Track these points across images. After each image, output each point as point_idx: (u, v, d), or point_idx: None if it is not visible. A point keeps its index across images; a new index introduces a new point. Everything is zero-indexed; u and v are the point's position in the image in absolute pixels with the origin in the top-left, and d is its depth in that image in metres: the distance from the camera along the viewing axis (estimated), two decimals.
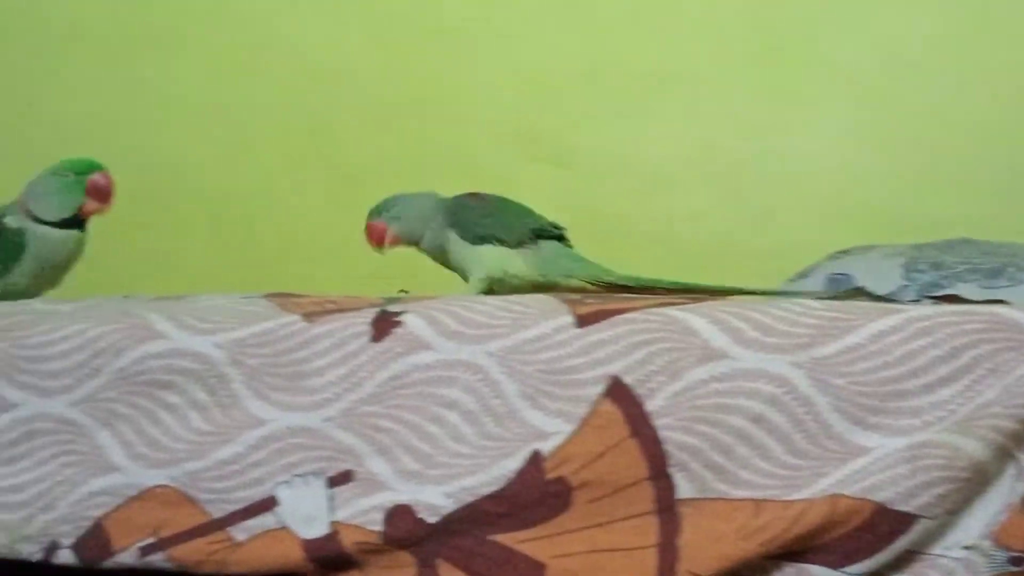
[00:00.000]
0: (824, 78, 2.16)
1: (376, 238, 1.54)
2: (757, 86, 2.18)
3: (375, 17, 2.27)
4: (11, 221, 1.45)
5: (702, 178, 2.18)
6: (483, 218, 1.51)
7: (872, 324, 0.97)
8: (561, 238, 1.55)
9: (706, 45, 2.20)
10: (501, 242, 1.49)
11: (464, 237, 1.50)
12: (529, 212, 1.56)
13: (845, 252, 1.70)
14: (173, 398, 1.04)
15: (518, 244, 1.50)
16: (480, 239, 1.49)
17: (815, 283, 1.61)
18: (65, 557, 0.99)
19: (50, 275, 1.48)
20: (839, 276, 1.59)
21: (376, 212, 1.55)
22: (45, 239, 1.45)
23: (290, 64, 2.27)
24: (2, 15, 2.37)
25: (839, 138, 2.14)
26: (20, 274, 1.45)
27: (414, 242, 1.55)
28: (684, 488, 0.95)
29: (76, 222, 1.47)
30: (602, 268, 1.52)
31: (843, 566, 0.91)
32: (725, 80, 2.19)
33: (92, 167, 1.47)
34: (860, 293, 1.53)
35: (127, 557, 0.98)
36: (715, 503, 0.94)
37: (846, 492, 0.92)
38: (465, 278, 1.51)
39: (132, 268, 2.19)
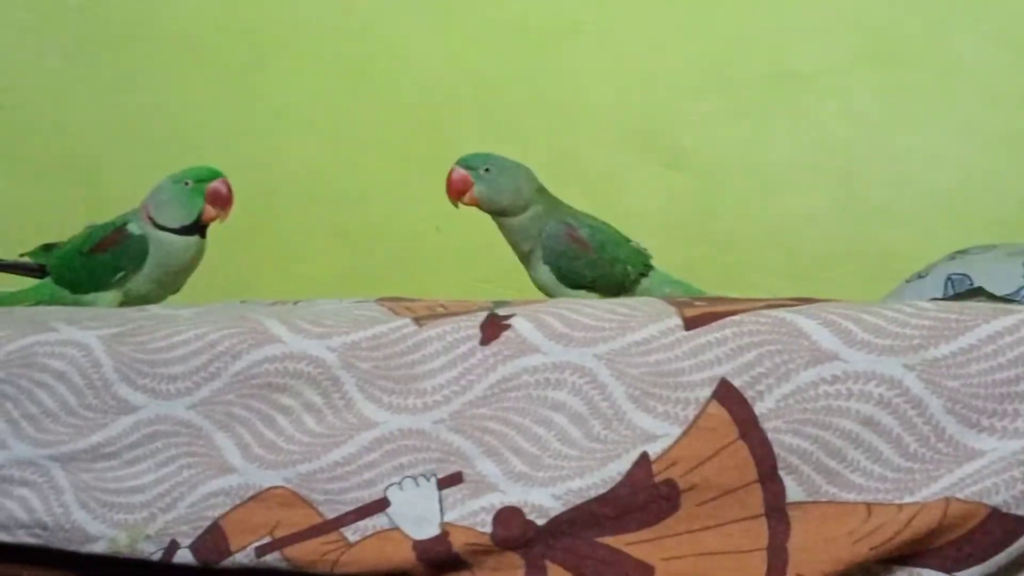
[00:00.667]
0: (945, 75, 2.13)
1: (456, 190, 1.50)
2: (875, 84, 2.15)
3: (486, 21, 2.28)
4: (134, 228, 1.49)
5: (818, 179, 2.15)
6: (587, 269, 1.49)
7: (986, 325, 0.95)
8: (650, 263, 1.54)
9: (823, 43, 2.17)
10: (602, 292, 1.48)
11: (562, 280, 1.48)
12: (629, 249, 1.53)
13: (964, 252, 1.66)
14: (288, 401, 1.05)
15: (619, 292, 1.49)
16: (579, 287, 1.48)
17: (933, 283, 1.58)
18: (184, 557, 1.01)
19: (171, 280, 1.52)
20: (957, 276, 1.56)
21: (467, 164, 1.50)
22: (167, 245, 1.49)
23: (402, 70, 2.29)
24: (125, 33, 2.43)
25: (959, 136, 2.10)
26: (142, 280, 1.49)
27: (491, 211, 1.51)
28: (794, 491, 0.94)
29: (196, 229, 1.50)
30: (697, 290, 1.51)
31: (956, 570, 0.89)
32: (842, 79, 2.17)
33: (212, 175, 1.50)
34: (979, 293, 1.50)
35: (243, 557, 1.00)
36: (825, 506, 0.93)
37: (959, 496, 0.90)
38: (548, 294, 1.50)
39: (250, 274, 2.24)
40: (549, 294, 1.50)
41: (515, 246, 1.53)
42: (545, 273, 1.50)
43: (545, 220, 1.50)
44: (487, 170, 1.50)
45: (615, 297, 1.47)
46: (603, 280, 1.49)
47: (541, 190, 1.53)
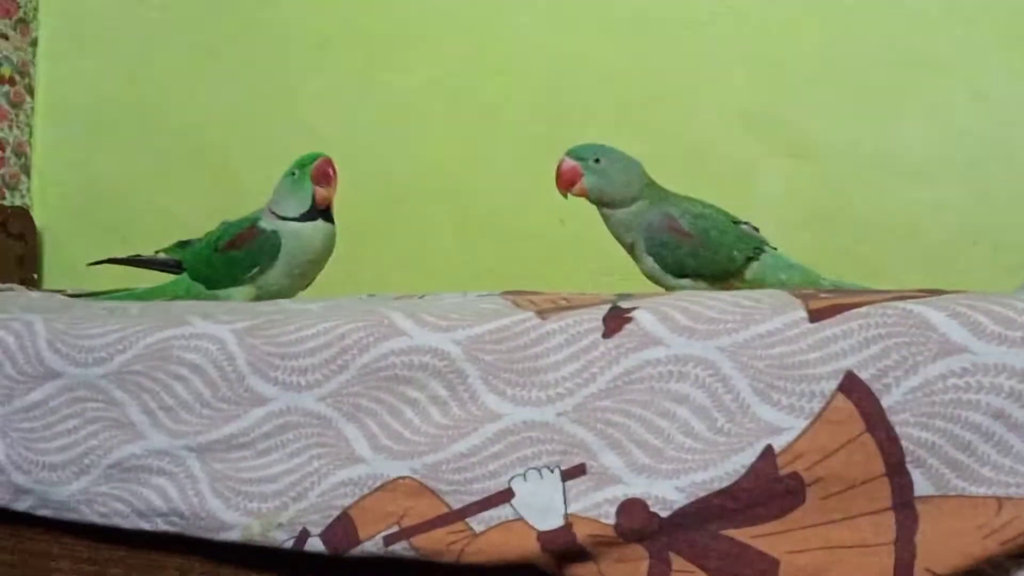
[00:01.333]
0: None
1: (566, 181, 1.50)
2: (1008, 70, 2.10)
3: (608, 10, 2.28)
4: (265, 224, 1.53)
5: (950, 168, 2.11)
6: (689, 258, 1.48)
7: None
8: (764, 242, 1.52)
9: (954, 29, 2.13)
10: (708, 279, 1.48)
11: (666, 270, 1.48)
12: (737, 233, 1.51)
13: None
14: (414, 393, 1.06)
15: (726, 278, 1.48)
16: (684, 276, 1.48)
17: None
18: (314, 545, 1.03)
19: (303, 272, 1.55)
20: None
21: (577, 155, 1.51)
22: (295, 235, 1.52)
23: (525, 62, 2.30)
24: (255, 30, 2.48)
25: None
26: (276, 274, 1.52)
27: (600, 202, 1.52)
28: (922, 485, 0.92)
29: (317, 213, 1.53)
30: (814, 273, 1.49)
31: None
32: (974, 64, 2.12)
33: (314, 158, 1.54)
34: None
35: (372, 546, 1.02)
36: (955, 500, 0.92)
37: None
38: (656, 284, 1.51)
39: (377, 268, 2.27)
40: (657, 283, 1.50)
41: (619, 238, 1.53)
42: (649, 263, 1.50)
43: (648, 215, 1.50)
44: (597, 160, 1.50)
45: (722, 282, 1.48)
46: (707, 267, 1.48)
47: (651, 184, 1.52)
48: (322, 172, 1.52)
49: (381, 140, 2.35)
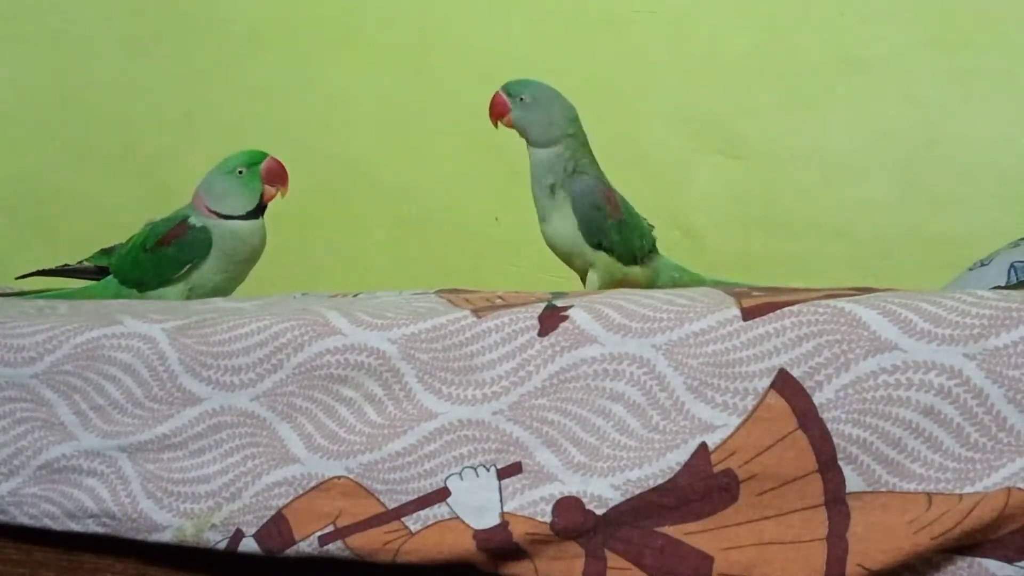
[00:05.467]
0: (1007, 60, 2.10)
1: (496, 112, 1.57)
2: (937, 70, 2.13)
3: (543, 11, 2.28)
4: (195, 220, 1.52)
5: (880, 166, 2.14)
6: (614, 231, 1.53)
7: None
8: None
9: (884, 29, 2.16)
10: (618, 257, 1.52)
11: (586, 236, 1.53)
12: (643, 225, 1.59)
13: None
14: (349, 392, 1.06)
15: (632, 261, 1.54)
16: (599, 246, 1.52)
17: (996, 271, 1.56)
18: (248, 546, 1.03)
19: (237, 270, 1.54)
20: (1021, 264, 1.54)
21: (508, 90, 1.58)
22: (232, 234, 1.51)
23: (460, 61, 2.30)
24: (186, 22, 2.45)
25: (1022, 121, 2.08)
26: (208, 271, 1.51)
27: (525, 138, 1.57)
28: (854, 481, 0.93)
29: (258, 212, 1.53)
30: (700, 276, 1.58)
31: (1018, 561, 0.88)
32: (903, 64, 2.15)
33: (260, 156, 1.53)
34: None
35: (307, 546, 1.01)
36: (885, 496, 0.93)
37: (1021, 485, 0.89)
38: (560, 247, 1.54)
39: (311, 265, 2.25)
40: (562, 247, 1.55)
41: (537, 180, 1.56)
42: (568, 224, 1.53)
43: (569, 162, 1.55)
44: (522, 99, 1.56)
45: (627, 265, 1.55)
46: (623, 246, 1.54)
47: (576, 133, 1.57)
48: (276, 172, 1.53)
49: (315, 136, 2.34)
